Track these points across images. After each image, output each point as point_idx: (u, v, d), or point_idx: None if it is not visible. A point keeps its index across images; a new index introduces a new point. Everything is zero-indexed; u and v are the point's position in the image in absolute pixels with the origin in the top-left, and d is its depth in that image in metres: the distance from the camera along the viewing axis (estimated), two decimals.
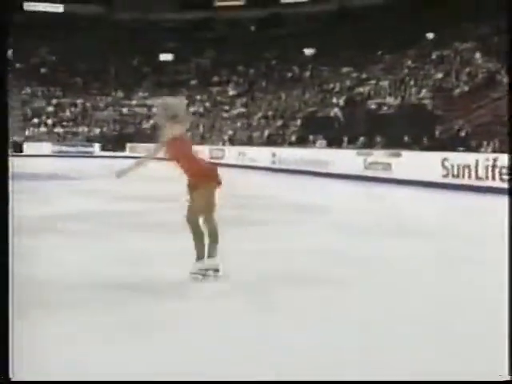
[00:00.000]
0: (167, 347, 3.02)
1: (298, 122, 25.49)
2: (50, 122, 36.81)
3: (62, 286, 4.18)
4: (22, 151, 33.57)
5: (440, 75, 22.44)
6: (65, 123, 37.06)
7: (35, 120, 36.76)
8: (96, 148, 34.57)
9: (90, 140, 35.52)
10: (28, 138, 35.26)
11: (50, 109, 37.71)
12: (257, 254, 5.37)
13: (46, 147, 33.86)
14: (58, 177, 16.49)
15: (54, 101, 38.31)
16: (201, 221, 4.21)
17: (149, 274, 4.57)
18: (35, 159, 29.27)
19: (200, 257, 4.22)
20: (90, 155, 33.38)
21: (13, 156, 32.48)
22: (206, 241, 4.24)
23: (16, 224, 7.08)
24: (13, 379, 2.24)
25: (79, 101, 38.55)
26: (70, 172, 18.68)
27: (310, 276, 4.53)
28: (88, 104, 38.52)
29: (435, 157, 13.08)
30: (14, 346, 2.24)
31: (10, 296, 2.21)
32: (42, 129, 36.28)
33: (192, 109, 36.17)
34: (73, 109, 38.10)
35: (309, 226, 7.34)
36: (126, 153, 33.31)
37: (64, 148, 34.53)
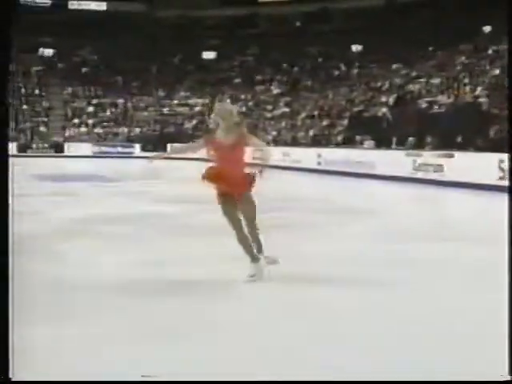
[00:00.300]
0: (228, 349, 3.12)
1: (345, 121, 25.30)
2: (90, 122, 37.74)
3: (99, 289, 4.22)
4: (62, 151, 34.60)
5: (497, 71, 21.89)
6: (105, 123, 37.91)
7: (76, 120, 37.75)
8: (136, 149, 35.17)
9: (130, 140, 36.18)
10: (68, 139, 36.27)
11: (91, 109, 38.65)
12: (308, 256, 5.45)
13: (86, 148, 34.68)
14: (98, 178, 16.86)
15: (95, 101, 39.23)
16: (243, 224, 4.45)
17: (190, 275, 4.65)
18: (75, 160, 30.07)
19: (253, 259, 4.48)
20: (131, 156, 34.01)
21: (53, 157, 33.51)
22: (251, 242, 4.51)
23: (55, 226, 7.34)
24: (13, 379, 2.30)
25: (120, 101, 39.33)
26: (110, 173, 19.05)
27: (361, 278, 4.58)
28: (129, 104, 39.28)
29: (491, 158, 12.75)
30: (14, 346, 2.31)
31: (10, 296, 2.28)
32: (83, 129, 37.21)
33: None
34: (113, 109, 38.93)
35: (358, 228, 7.34)
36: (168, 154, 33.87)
37: (104, 149, 35.32)
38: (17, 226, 6.61)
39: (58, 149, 34.88)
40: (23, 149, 34.20)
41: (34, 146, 34.79)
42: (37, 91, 39.18)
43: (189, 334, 3.34)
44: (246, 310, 3.82)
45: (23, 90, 38.73)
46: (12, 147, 33.57)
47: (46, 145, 35.10)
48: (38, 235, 6.51)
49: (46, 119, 37.67)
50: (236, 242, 4.48)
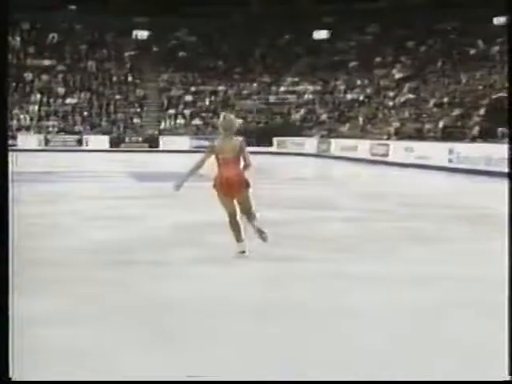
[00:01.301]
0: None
1: (482, 110, 24.45)
2: (187, 112, 38.92)
3: (201, 311, 4.22)
4: (157, 146, 36.02)
5: None
6: (204, 114, 38.92)
7: (172, 111, 39.10)
8: None
9: None
10: (164, 132, 37.67)
11: (189, 98, 39.85)
12: (435, 279, 5.19)
13: (183, 141, 35.81)
14: (198, 177, 17.42)
15: (193, 88, 40.37)
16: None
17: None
18: (171, 156, 31.19)
19: (239, 240, 6.03)
20: None
21: (148, 152, 34.71)
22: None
23: (151, 234, 7.55)
24: (13, 379, 2.53)
25: (220, 88, 40.23)
26: (211, 171, 19.50)
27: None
28: (230, 91, 40.07)
29: None
30: (14, 346, 2.52)
31: (11, 296, 2.48)
32: (180, 120, 38.51)
33: (350, 96, 36.16)
34: (213, 97, 39.86)
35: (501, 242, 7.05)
36: (273, 148, 34.12)
37: (203, 142, 36.35)
38: (113, 235, 7.11)
39: (153, 143, 36.35)
40: (116, 143, 36.01)
41: (127, 139, 36.53)
42: (130, 78, 41.05)
43: None
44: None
45: (115, 78, 40.78)
46: (104, 141, 35.51)
47: (140, 138, 36.77)
48: (135, 246, 6.56)
49: (139, 110, 39.41)
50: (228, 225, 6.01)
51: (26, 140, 34.68)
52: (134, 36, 43.23)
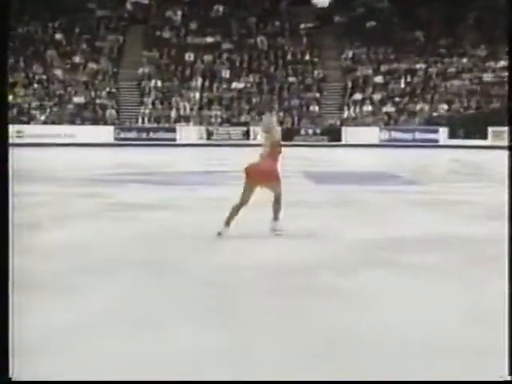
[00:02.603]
0: None
1: None
2: (377, 97, 38.34)
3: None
4: (339, 139, 35.76)
5: None
6: (397, 99, 38.13)
7: (357, 95, 38.72)
8: (441, 134, 34.59)
9: (432, 123, 35.76)
10: (347, 121, 37.37)
11: (379, 79, 39.29)
12: None
13: (371, 133, 35.32)
14: (391, 179, 16.82)
15: (384, 67, 39.77)
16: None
17: None
18: (357, 151, 30.72)
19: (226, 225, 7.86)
20: (434, 144, 33.52)
21: (327, 146, 35.10)
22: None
23: (331, 253, 7.17)
24: (13, 379, 3.07)
25: (419, 66, 39.27)
26: (407, 171, 19.05)
27: None
28: (432, 70, 38.95)
29: None
30: (14, 346, 3.03)
31: (11, 296, 2.93)
32: (367, 107, 38.01)
33: None
34: (410, 78, 38.98)
35: None
36: (487, 141, 32.49)
37: (395, 134, 35.51)
38: (287, 253, 7.01)
39: (334, 135, 36.16)
40: (289, 135, 36.22)
41: (303, 131, 36.62)
42: (307, 57, 41.28)
43: None
44: None
45: (289, 57, 41.17)
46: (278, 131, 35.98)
47: (318, 130, 36.72)
48: (312, 267, 6.44)
49: (318, 95, 39.44)
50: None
51: (186, 133, 36.01)
52: (312, 4, 43.36)
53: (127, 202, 11.18)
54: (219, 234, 7.76)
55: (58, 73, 39.60)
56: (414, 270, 6.32)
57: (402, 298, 5.36)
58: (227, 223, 7.84)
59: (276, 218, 8.10)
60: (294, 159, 24.19)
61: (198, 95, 39.31)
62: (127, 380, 3.52)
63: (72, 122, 36.92)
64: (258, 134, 35.87)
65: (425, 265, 6.56)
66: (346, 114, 37.89)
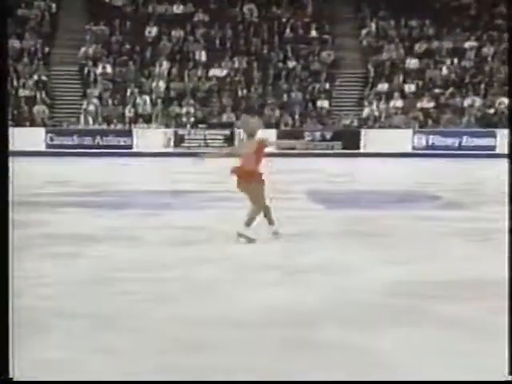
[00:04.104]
0: None
1: None
2: (409, 88, 38.49)
3: None
4: (357, 146, 35.78)
5: None
6: (437, 90, 38.24)
7: (383, 86, 38.81)
8: (498, 139, 34.66)
9: (486, 123, 35.88)
10: (368, 122, 37.41)
11: (412, 63, 39.47)
12: None
13: (401, 138, 35.39)
14: (421, 199, 16.94)
15: (420, 46, 39.89)
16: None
17: None
18: (379, 161, 30.76)
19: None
20: (488, 153, 33.58)
21: (343, 156, 34.97)
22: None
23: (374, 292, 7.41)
24: (13, 379, 3.84)
25: (468, 44, 39.57)
26: (440, 189, 19.33)
27: None
28: (485, 50, 39.14)
29: None
30: (14, 346, 3.81)
31: (11, 295, 3.68)
32: (395, 102, 38.11)
33: None
34: (455, 60, 39.11)
35: None
36: None
37: (433, 139, 35.63)
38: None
39: (350, 141, 36.12)
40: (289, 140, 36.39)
41: (308, 135, 36.63)
42: (313, 32, 41.33)
43: None
44: None
45: (289, 32, 41.21)
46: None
47: (328, 133, 36.59)
48: (317, 316, 6.70)
49: (328, 86, 39.50)
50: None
51: (146, 138, 36.06)
52: None
53: (61, 232, 11.26)
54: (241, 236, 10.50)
55: None
56: (451, 326, 6.47)
57: (431, 365, 5.46)
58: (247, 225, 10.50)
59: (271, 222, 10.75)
60: (295, 173, 24.27)
61: (162, 86, 39.46)
62: (127, 380, 4.58)
63: None
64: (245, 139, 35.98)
65: (464, 318, 6.73)
66: (366, 112, 38.16)
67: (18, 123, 36.79)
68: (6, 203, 3.42)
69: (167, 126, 37.28)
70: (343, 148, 35.86)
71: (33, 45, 40.80)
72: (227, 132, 36.50)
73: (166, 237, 11.09)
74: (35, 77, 39.46)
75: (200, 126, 37.51)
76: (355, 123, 37.69)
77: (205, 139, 36.53)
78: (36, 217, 13.04)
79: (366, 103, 38.44)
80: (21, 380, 4.02)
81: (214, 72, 39.78)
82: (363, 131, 36.55)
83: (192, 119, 37.74)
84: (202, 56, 40.49)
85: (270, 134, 36.23)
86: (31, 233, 11.11)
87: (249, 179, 10.67)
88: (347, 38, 41.29)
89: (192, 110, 38.16)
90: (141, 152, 34.56)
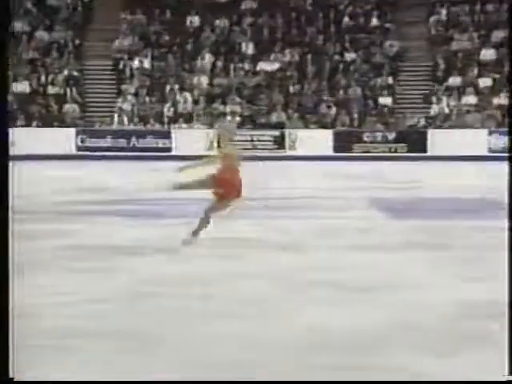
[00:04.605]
0: None
1: None
2: (485, 82, 38.27)
3: None
4: (424, 149, 35.64)
5: None
6: None
7: (454, 80, 38.65)
8: None
9: None
10: (437, 121, 37.26)
11: (488, 54, 39.20)
12: None
13: (476, 139, 35.17)
14: (501, 208, 16.81)
15: (497, 35, 39.67)
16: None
17: None
18: (450, 166, 30.66)
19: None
20: None
21: (409, 159, 35.00)
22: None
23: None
24: (13, 379, 4.31)
25: None
26: None
27: None
28: None
29: None
30: (14, 346, 4.26)
31: (11, 295, 4.07)
32: (468, 99, 37.92)
33: None
34: None
35: None
36: None
37: None
38: None
39: (416, 142, 36.00)
40: (347, 142, 36.28)
41: (368, 136, 36.62)
42: (374, 20, 41.36)
43: None
44: None
45: (347, 20, 41.26)
46: None
47: (391, 134, 36.62)
48: (382, 341, 6.68)
49: (391, 80, 39.46)
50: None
51: (186, 139, 36.11)
52: None
53: (94, 244, 11.31)
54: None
55: None
56: None
57: None
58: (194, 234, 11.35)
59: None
60: (355, 179, 24.29)
61: (205, 81, 39.58)
62: (127, 380, 5.04)
63: (12, 123, 37.23)
64: (297, 140, 36.06)
65: None
66: (434, 110, 37.98)
67: (46, 123, 37.13)
68: (6, 209, 3.47)
69: (210, 126, 37.31)
70: (408, 151, 35.73)
71: (63, 37, 41.08)
72: (277, 133, 36.53)
73: (207, 248, 11.10)
74: (65, 72, 39.74)
75: (246, 126, 37.54)
76: (422, 123, 37.53)
77: (252, 141, 36.51)
78: (62, 227, 13.13)
79: (434, 100, 38.21)
80: (21, 380, 4.41)
81: (263, 66, 39.84)
82: (431, 132, 36.39)
83: (237, 119, 37.77)
84: (250, 48, 40.57)
85: (325, 135, 36.33)
86: (56, 244, 11.20)
87: (238, 195, 11.38)
88: (413, 26, 41.18)
89: (238, 108, 38.23)
90: (181, 155, 34.59)
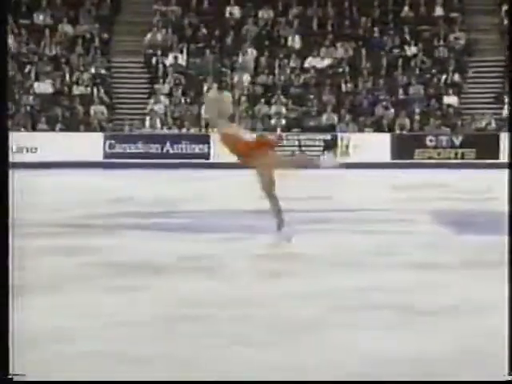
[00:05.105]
0: None
1: None
2: None
3: None
4: (496, 155, 35.48)
5: None
6: None
7: None
8: None
9: None
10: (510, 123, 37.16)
11: None
12: None
13: None
14: None
15: None
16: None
17: None
18: None
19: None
20: None
21: (478, 167, 35.01)
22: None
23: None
24: (13, 379, 4.79)
25: None
26: None
27: None
28: None
29: None
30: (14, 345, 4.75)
31: (11, 294, 4.54)
32: None
33: None
34: None
35: None
36: None
37: None
38: None
39: (486, 147, 35.82)
40: (407, 147, 36.22)
41: (431, 139, 36.54)
42: (439, 9, 41.29)
43: None
44: None
45: (407, 10, 41.23)
46: None
47: (458, 138, 36.45)
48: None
49: (457, 78, 39.37)
50: None
51: None
52: None
53: (126, 261, 11.37)
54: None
55: (9, 41, 40.27)
56: None
57: None
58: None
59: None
60: (417, 189, 24.21)
61: (247, 79, 39.67)
62: (127, 380, 5.44)
63: (32, 126, 37.42)
64: (350, 145, 35.96)
65: None
66: (507, 111, 37.80)
67: (71, 127, 37.27)
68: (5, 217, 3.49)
69: (253, 129, 37.36)
70: (477, 157, 35.61)
71: (89, 31, 41.30)
72: (327, 137, 36.52)
73: (251, 266, 11.15)
74: (92, 70, 39.95)
75: (293, 129, 37.58)
76: (493, 125, 37.41)
77: (299, 146, 36.52)
78: (90, 242, 13.14)
79: (506, 99, 38.07)
80: (21, 380, 4.82)
81: (312, 62, 39.91)
82: (503, 135, 36.17)
83: (283, 121, 37.85)
84: (297, 42, 40.65)
85: (382, 140, 36.27)
86: (84, 261, 11.20)
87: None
88: (482, 15, 41.10)
89: (283, 109, 38.31)
90: (220, 163, 34.65)
